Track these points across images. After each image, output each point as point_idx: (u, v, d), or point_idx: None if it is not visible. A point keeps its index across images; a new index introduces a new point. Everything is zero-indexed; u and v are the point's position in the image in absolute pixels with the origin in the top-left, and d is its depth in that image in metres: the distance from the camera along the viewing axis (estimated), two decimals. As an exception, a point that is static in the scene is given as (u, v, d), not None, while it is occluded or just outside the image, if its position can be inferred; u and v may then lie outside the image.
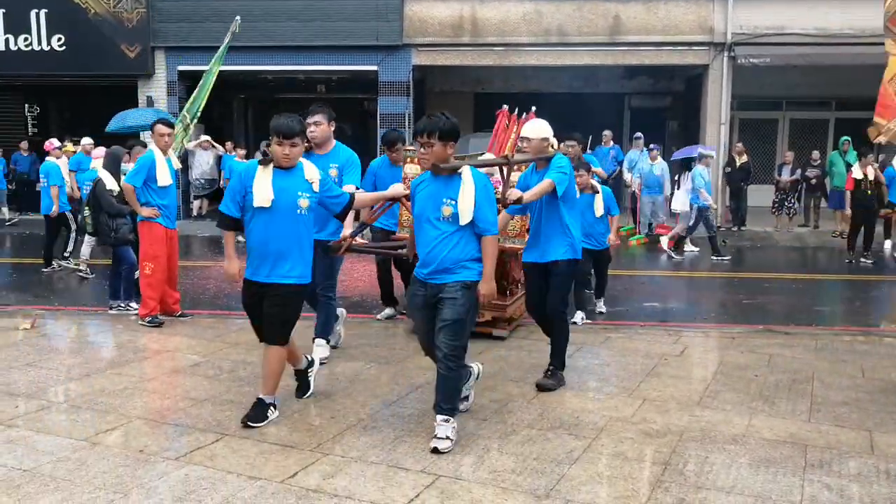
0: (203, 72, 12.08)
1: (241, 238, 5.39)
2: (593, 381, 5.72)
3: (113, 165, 8.06)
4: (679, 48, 16.30)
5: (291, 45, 16.61)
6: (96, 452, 4.24)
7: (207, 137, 14.39)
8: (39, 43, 17.16)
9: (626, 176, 15.43)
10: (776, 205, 16.13)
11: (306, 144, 5.54)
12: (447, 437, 4.31)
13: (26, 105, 19.76)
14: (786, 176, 16.01)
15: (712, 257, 12.67)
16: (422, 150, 4.42)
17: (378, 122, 16.78)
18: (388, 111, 16.70)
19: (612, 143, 15.77)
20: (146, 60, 17.07)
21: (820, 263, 13.38)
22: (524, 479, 3.98)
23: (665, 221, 14.86)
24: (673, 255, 12.91)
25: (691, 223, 13.08)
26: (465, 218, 4.30)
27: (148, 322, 7.18)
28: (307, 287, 4.79)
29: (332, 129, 5.96)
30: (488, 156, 6.59)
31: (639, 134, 15.75)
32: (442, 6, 16.48)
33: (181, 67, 17.16)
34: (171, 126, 7.45)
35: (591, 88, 19.29)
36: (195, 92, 11.50)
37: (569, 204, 5.42)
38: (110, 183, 7.88)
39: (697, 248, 13.40)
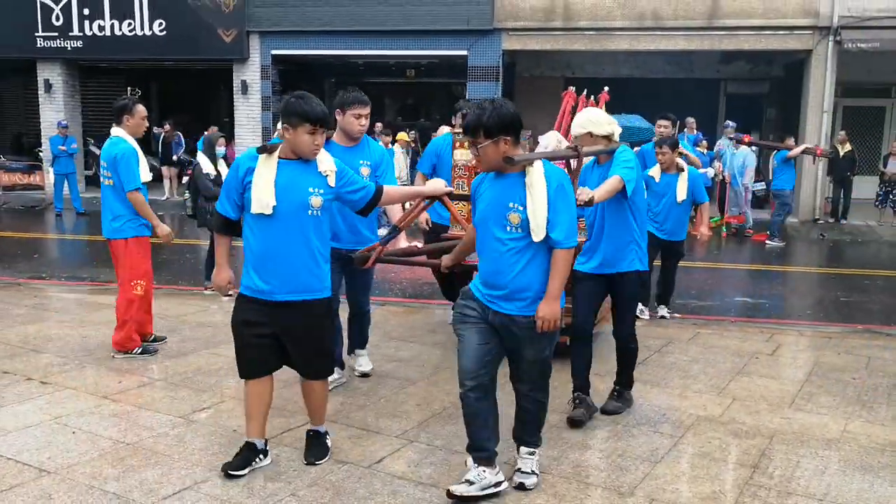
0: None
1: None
2: (681, 377, 5.61)
3: (209, 150, 8.32)
4: (780, 32, 15.67)
5: (382, 29, 16.74)
6: (193, 430, 4.43)
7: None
8: (142, 28, 17.81)
9: (716, 164, 15.02)
10: (880, 197, 15.42)
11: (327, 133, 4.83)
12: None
13: (129, 88, 20.58)
14: (892, 167, 15.25)
15: None
16: (475, 150, 3.63)
17: (467, 107, 16.80)
18: (477, 96, 16.68)
19: (695, 130, 15.14)
20: (242, 45, 17.50)
21: (926, 260, 12.73)
22: (608, 476, 3.96)
23: (739, 212, 14.42)
24: None
25: None
26: (539, 233, 3.49)
27: (139, 352, 5.84)
28: (331, 301, 4.01)
29: None
30: (551, 138, 5.71)
31: (728, 122, 15.29)
32: (533, -10, 16.31)
33: (275, 52, 17.56)
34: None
35: (685, 73, 18.78)
36: None
37: (637, 206, 4.66)
38: (207, 167, 8.15)
39: None
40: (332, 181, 3.80)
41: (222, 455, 4.08)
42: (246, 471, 3.84)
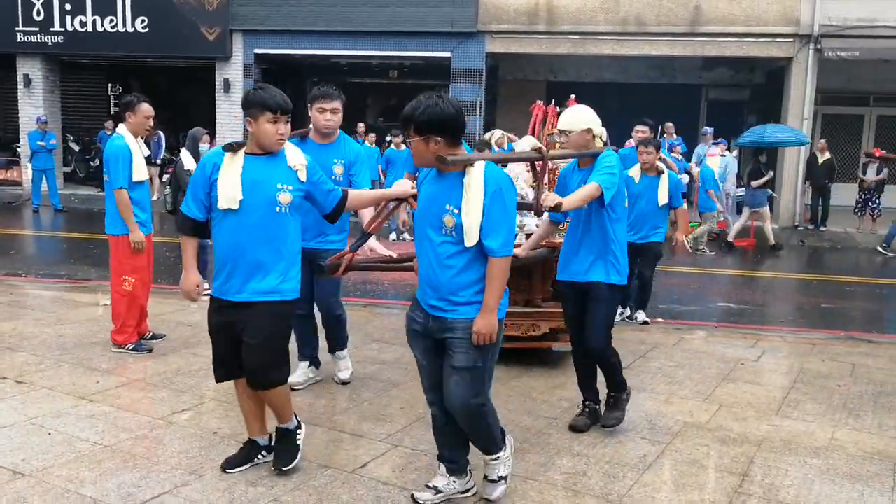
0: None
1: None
2: (666, 383, 5.58)
3: (192, 146, 8.19)
4: (762, 40, 15.78)
5: (365, 30, 16.66)
6: (172, 432, 4.33)
7: None
8: (124, 25, 17.61)
9: (694, 171, 15.08)
10: (859, 205, 15.54)
11: (302, 132, 4.84)
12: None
13: (109, 85, 20.31)
14: (871, 175, 15.39)
15: None
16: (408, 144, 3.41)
17: (450, 109, 16.72)
18: (460, 98, 16.61)
19: (675, 135, 15.08)
20: (224, 43, 17.35)
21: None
22: (596, 483, 3.91)
23: (722, 218, 14.45)
24: None
25: None
26: (471, 238, 3.24)
27: (132, 349, 5.81)
28: (295, 305, 3.78)
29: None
30: (526, 143, 5.59)
31: (705, 129, 15.37)
32: (518, -7, 16.30)
33: (258, 50, 17.44)
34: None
35: (667, 79, 18.89)
36: None
37: (617, 214, 4.37)
38: (189, 164, 8.02)
39: None
40: (302, 176, 3.67)
41: (202, 458, 3.99)
42: (245, 467, 3.87)
